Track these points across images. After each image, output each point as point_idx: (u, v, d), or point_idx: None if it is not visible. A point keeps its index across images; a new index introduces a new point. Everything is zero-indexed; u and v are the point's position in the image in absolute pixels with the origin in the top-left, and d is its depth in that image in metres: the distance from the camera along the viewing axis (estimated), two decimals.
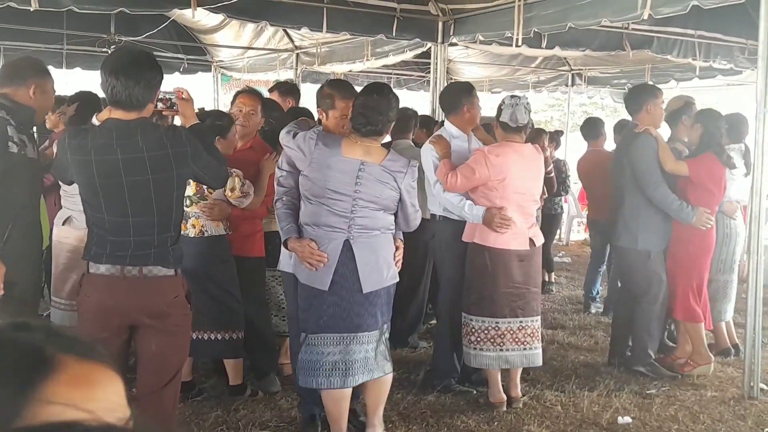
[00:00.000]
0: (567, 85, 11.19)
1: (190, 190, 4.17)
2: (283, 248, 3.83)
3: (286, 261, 3.89)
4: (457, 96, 4.71)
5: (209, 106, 11.30)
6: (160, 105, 3.21)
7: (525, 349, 4.47)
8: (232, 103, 4.72)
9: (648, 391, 4.83)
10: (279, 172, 3.78)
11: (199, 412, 4.25)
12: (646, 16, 4.79)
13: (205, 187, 4.17)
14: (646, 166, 4.97)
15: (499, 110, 4.43)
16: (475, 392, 4.68)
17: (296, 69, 9.54)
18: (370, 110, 3.53)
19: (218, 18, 8.13)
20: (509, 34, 5.69)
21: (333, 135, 3.64)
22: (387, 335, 3.80)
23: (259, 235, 4.62)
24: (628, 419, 4.34)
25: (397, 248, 3.75)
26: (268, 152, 4.52)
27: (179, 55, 10.17)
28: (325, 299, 3.56)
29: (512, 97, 4.48)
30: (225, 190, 4.18)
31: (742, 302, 5.28)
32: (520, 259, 4.43)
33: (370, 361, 3.68)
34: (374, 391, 3.79)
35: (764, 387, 4.85)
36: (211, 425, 4.10)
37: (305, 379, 3.66)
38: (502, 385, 4.52)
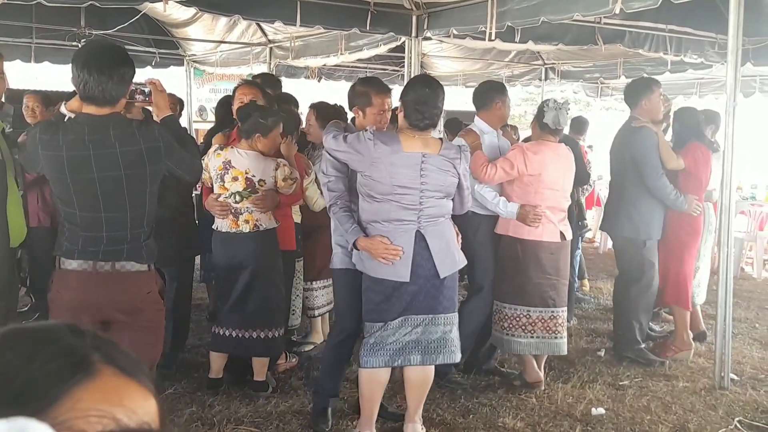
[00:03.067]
0: (540, 80, 11.20)
1: (240, 185, 4.18)
2: (335, 247, 3.93)
3: (340, 259, 3.93)
4: (489, 93, 4.87)
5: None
6: (139, 97, 3.17)
7: (555, 337, 4.67)
8: (233, 97, 4.74)
9: (621, 383, 4.89)
10: (325, 177, 3.81)
11: (174, 408, 4.22)
12: (617, 11, 4.81)
13: (256, 180, 4.18)
14: (649, 158, 5.15)
15: (542, 112, 4.63)
16: (465, 385, 4.75)
17: (270, 63, 9.45)
18: (424, 105, 3.61)
19: (190, 11, 8.05)
20: (483, 29, 5.69)
21: (388, 132, 3.72)
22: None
23: (292, 227, 4.68)
24: (601, 410, 4.38)
25: (456, 234, 3.86)
26: (284, 138, 4.54)
27: (151, 49, 10.03)
28: (406, 289, 3.65)
29: (555, 101, 4.69)
30: (277, 181, 4.23)
31: (712, 294, 5.36)
32: (550, 251, 4.61)
33: (449, 343, 3.77)
34: (416, 387, 3.83)
35: (734, 377, 4.93)
36: (186, 421, 4.07)
37: (378, 359, 3.69)
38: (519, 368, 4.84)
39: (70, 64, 2.91)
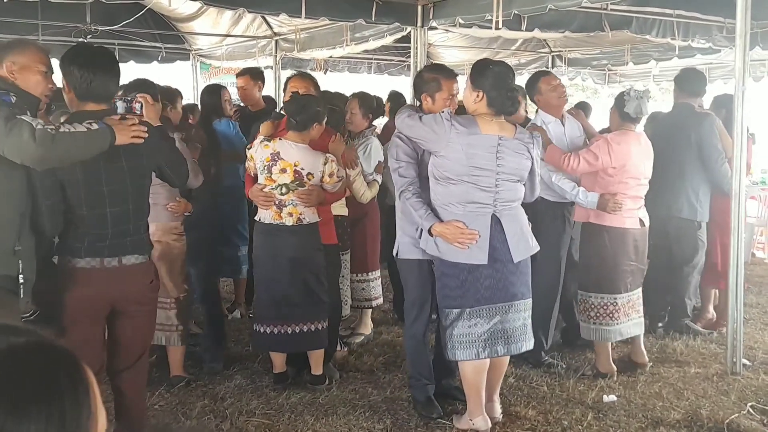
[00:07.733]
0: (548, 67, 11.15)
1: (288, 177, 4.17)
2: (402, 236, 3.95)
3: (408, 249, 3.95)
4: (534, 81, 4.92)
5: (189, 95, 11.18)
6: (136, 105, 3.18)
7: (630, 320, 4.76)
8: (285, 89, 4.69)
9: (632, 369, 4.87)
10: (396, 164, 3.82)
11: (186, 402, 4.25)
12: None
13: (304, 173, 4.17)
14: (716, 144, 5.37)
15: (623, 101, 4.65)
16: (561, 367, 4.86)
17: (276, 56, 9.44)
18: (513, 91, 3.72)
19: (195, 5, 8.02)
20: (489, 17, 5.66)
21: (464, 115, 3.74)
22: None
23: (332, 222, 4.65)
24: (613, 397, 4.38)
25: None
26: (333, 135, 4.51)
27: (157, 44, 10.02)
28: (482, 272, 3.66)
29: (636, 90, 4.72)
30: (324, 176, 4.21)
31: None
32: (634, 238, 4.69)
33: (528, 329, 3.82)
34: (498, 369, 3.90)
35: (747, 362, 4.92)
36: (198, 414, 4.09)
37: (466, 352, 3.72)
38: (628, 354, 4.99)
39: (66, 66, 3.01)
